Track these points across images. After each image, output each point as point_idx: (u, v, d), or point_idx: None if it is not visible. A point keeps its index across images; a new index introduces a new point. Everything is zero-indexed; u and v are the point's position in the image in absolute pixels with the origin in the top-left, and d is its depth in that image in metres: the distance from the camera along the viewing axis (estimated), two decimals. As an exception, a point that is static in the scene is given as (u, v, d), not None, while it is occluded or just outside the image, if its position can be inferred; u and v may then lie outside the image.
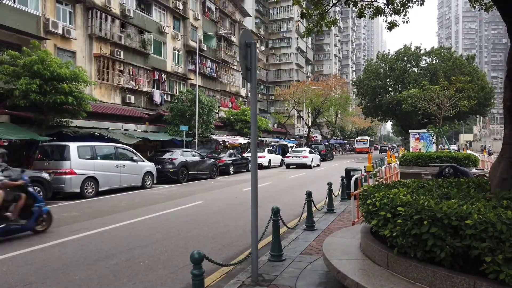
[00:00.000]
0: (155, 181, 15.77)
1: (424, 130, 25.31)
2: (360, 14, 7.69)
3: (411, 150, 26.06)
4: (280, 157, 30.43)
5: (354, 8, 7.79)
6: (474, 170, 12.80)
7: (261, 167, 25.95)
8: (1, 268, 5.19)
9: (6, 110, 15.95)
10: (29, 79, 13.76)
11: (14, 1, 17.48)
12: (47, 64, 14.12)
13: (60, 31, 19.34)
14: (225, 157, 22.22)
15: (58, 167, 12.12)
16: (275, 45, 58.97)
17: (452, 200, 3.37)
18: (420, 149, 24.75)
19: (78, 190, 12.10)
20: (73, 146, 12.48)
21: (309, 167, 27.05)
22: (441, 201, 3.35)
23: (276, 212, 5.34)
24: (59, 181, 11.84)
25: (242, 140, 31.70)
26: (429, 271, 3.13)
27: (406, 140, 41.21)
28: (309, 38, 64.65)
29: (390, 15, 7.70)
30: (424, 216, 3.16)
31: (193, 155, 18.91)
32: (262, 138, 37.65)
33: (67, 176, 11.95)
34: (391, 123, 65.55)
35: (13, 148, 15.65)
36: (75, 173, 12.10)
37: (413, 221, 3.22)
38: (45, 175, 11.01)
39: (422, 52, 44.49)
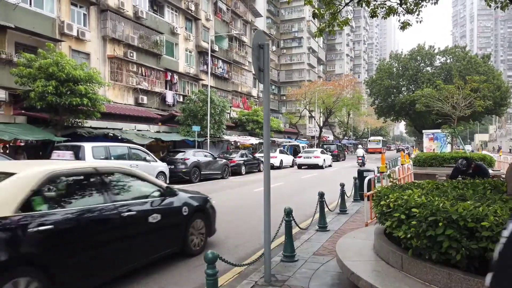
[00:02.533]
0: (167, 181, 15.89)
1: (438, 130, 24.97)
2: (373, 14, 7.63)
3: (425, 150, 25.74)
4: (291, 157, 30.38)
5: (366, 7, 7.74)
6: (490, 171, 12.58)
7: (272, 167, 25.93)
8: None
9: (23, 111, 16.29)
10: (45, 81, 14.03)
11: (30, 4, 17.84)
12: (62, 66, 14.38)
13: (74, 33, 19.66)
14: (236, 158, 22.28)
15: (73, 167, 12.30)
16: (286, 45, 58.88)
17: (468, 202, 3.33)
18: (434, 150, 24.42)
19: (92, 189, 12.24)
20: (88, 147, 12.67)
21: (321, 167, 26.93)
22: (456, 203, 3.31)
23: (288, 212, 5.34)
24: (74, 181, 12.00)
25: (253, 141, 31.74)
26: (444, 273, 3.10)
27: (420, 141, 40.71)
28: (321, 38, 64.43)
29: (403, 15, 7.64)
30: (439, 218, 3.13)
31: (205, 156, 19.01)
32: (274, 139, 37.63)
33: (82, 176, 12.11)
34: (404, 123, 64.87)
35: (30, 148, 15.98)
36: (89, 173, 12.25)
37: (428, 222, 3.19)
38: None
39: (436, 51, 43.93)
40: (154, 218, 4.82)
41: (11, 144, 15.63)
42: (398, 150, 65.07)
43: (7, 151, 15.10)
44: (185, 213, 5.46)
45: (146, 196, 4.97)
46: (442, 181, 5.34)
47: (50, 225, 3.56)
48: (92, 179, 4.37)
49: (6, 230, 3.25)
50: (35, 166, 4.10)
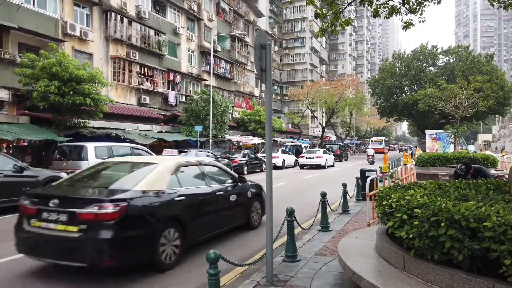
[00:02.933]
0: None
1: (441, 130, 24.88)
2: (375, 14, 7.61)
3: (427, 150, 25.66)
4: (294, 157, 30.35)
5: (369, 7, 7.72)
6: (493, 171, 12.54)
7: (275, 167, 25.90)
8: (24, 266, 5.33)
9: (26, 111, 16.36)
10: (48, 81, 14.08)
11: (34, 4, 17.92)
12: (65, 66, 14.43)
13: (77, 33, 19.73)
14: (239, 158, 22.29)
15: (76, 167, 12.34)
16: (289, 45, 58.86)
17: (470, 202, 3.32)
18: (437, 150, 24.33)
19: (95, 189, 12.30)
20: (90, 147, 12.71)
21: (323, 167, 26.89)
22: (459, 203, 3.30)
23: (290, 212, 5.34)
24: (77, 180, 12.06)
25: (256, 141, 31.75)
26: (446, 274, 3.09)
27: (423, 141, 40.59)
28: (323, 38, 64.31)
29: (406, 14, 7.61)
30: (441, 218, 3.12)
31: (208, 156, 19.05)
32: (276, 139, 37.63)
33: (84, 176, 12.16)
34: (407, 123, 64.70)
35: (33, 148, 16.04)
36: (92, 173, 12.30)
37: (430, 223, 3.18)
38: (64, 175, 11.22)
39: (439, 51, 43.75)
40: (233, 198, 6.76)
41: (14, 144, 15.70)
42: (401, 150, 64.96)
43: (10, 151, 15.15)
44: (249, 196, 7.40)
45: (226, 182, 6.89)
46: (445, 181, 5.33)
47: (182, 196, 5.42)
48: (198, 168, 6.38)
49: (164, 198, 5.13)
50: (168, 159, 6.35)
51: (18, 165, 9.93)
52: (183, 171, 5.85)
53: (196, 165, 6.46)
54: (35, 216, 4.75)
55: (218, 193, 6.30)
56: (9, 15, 16.38)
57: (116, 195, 4.62)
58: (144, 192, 4.90)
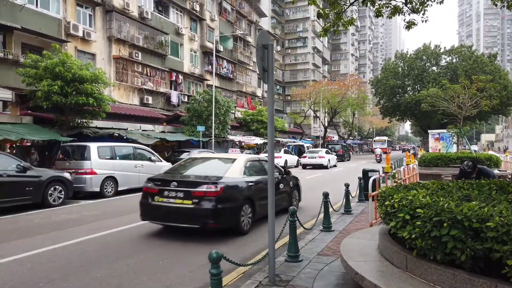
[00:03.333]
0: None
1: (444, 130, 24.81)
2: (378, 14, 7.60)
3: (430, 150, 25.59)
4: (296, 157, 30.34)
5: (371, 7, 7.71)
6: (496, 171, 12.49)
7: (277, 167, 25.86)
8: (25, 265, 5.36)
9: (29, 112, 16.42)
10: (51, 81, 14.13)
11: (37, 5, 17.98)
12: (68, 66, 14.48)
13: (80, 33, 19.78)
14: (241, 158, 22.25)
15: (79, 167, 12.41)
16: (291, 45, 58.83)
17: (473, 202, 3.31)
18: (439, 150, 24.26)
19: (98, 189, 12.35)
20: (93, 147, 12.74)
21: (325, 167, 26.86)
22: (461, 203, 3.30)
23: (293, 212, 5.35)
24: (80, 180, 12.11)
25: (258, 141, 31.75)
26: (449, 274, 3.09)
27: (425, 140, 40.48)
28: (326, 37, 64.23)
29: (409, 14, 7.60)
30: (444, 218, 3.12)
31: (210, 155, 19.05)
32: (278, 139, 37.61)
33: (87, 176, 12.21)
34: (409, 123, 64.52)
35: (36, 148, 16.10)
36: (95, 173, 12.35)
37: (433, 223, 3.18)
38: (67, 175, 11.28)
39: (442, 50, 43.58)
40: (281, 186, 8.73)
41: (17, 144, 15.76)
42: (403, 150, 64.81)
43: (14, 151, 15.21)
44: (291, 185, 9.41)
45: (284, 182, 9.06)
46: (448, 182, 5.32)
47: (251, 183, 7.44)
48: (258, 163, 8.47)
49: (242, 183, 7.18)
50: (240, 155, 8.48)
51: (22, 165, 9.97)
52: (249, 165, 7.98)
53: (257, 160, 8.61)
54: (157, 194, 6.91)
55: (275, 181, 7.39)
56: (12, 15, 16.45)
57: (216, 180, 6.77)
58: (231, 178, 7.08)
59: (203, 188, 6.56)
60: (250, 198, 7.26)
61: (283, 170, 9.25)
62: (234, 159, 7.80)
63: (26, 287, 4.56)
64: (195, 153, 18.07)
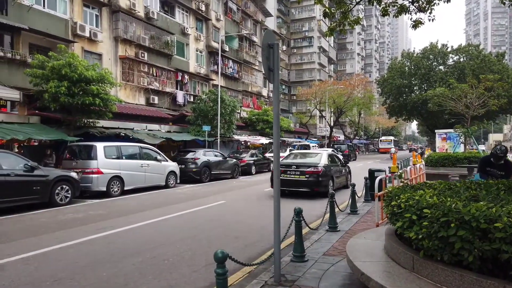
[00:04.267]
0: (178, 181, 16.00)
1: (451, 130, 24.62)
2: (384, 13, 7.55)
3: (437, 150, 25.42)
4: (302, 157, 30.25)
5: (378, 6, 7.67)
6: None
7: (283, 167, 25.86)
8: (32, 264, 5.40)
9: (37, 112, 16.55)
10: (58, 82, 14.22)
11: (44, 5, 18.12)
12: (75, 66, 14.56)
13: (87, 34, 19.90)
14: (247, 157, 22.29)
15: (85, 166, 12.49)
16: (297, 44, 58.71)
17: (481, 203, 3.27)
18: (446, 150, 24.08)
19: (104, 189, 12.42)
20: (99, 146, 12.81)
21: (331, 167, 26.72)
22: (469, 203, 3.26)
23: (298, 212, 5.33)
24: (87, 180, 12.19)
25: (264, 140, 31.74)
26: (456, 275, 3.06)
27: (432, 140, 40.20)
28: (332, 37, 63.99)
29: (415, 13, 7.54)
30: (451, 219, 3.09)
31: (216, 155, 19.08)
32: (284, 138, 37.57)
33: (94, 175, 12.29)
34: (416, 122, 64.05)
35: (43, 148, 16.22)
36: (101, 172, 12.42)
37: (440, 223, 3.15)
38: (73, 174, 11.36)
39: (449, 49, 43.20)
40: (344, 171, 14.18)
41: (25, 143, 15.89)
42: (410, 150, 64.47)
43: (22, 151, 15.34)
44: (348, 172, 14.64)
45: (339, 164, 13.95)
46: (455, 182, 5.27)
47: (332, 167, 12.88)
48: (333, 156, 14.15)
49: (328, 167, 12.51)
50: (324, 151, 14.55)
51: (29, 164, 10.05)
52: (330, 157, 13.32)
53: (332, 154, 14.10)
54: (283, 173, 11.79)
55: (340, 168, 13.92)
56: (20, 16, 16.59)
57: (317, 165, 12.13)
58: (323, 164, 12.24)
59: (311, 169, 12.04)
60: (332, 176, 12.55)
61: (343, 162, 14.65)
62: (321, 154, 13.39)
63: (33, 285, 4.59)
64: (201, 153, 18.12)
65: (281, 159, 24.56)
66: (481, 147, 38.56)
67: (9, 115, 15.39)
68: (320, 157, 12.86)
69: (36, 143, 16.85)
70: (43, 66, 14.67)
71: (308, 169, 11.95)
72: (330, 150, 16.68)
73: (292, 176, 12.03)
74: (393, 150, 43.11)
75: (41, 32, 17.30)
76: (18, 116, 15.90)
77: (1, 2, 15.84)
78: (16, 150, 15.64)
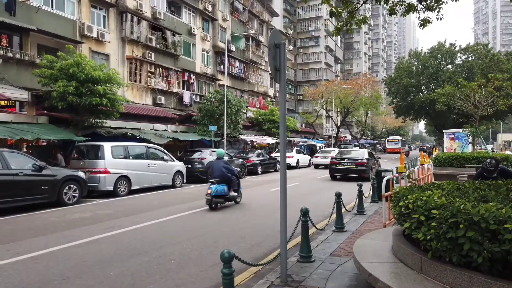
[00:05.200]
0: (185, 181, 16.04)
1: (460, 130, 24.41)
2: (392, 12, 7.50)
3: (445, 150, 25.21)
4: (308, 157, 30.22)
5: (385, 5, 7.62)
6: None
7: (289, 167, 25.83)
8: (41, 262, 5.45)
9: (45, 112, 16.69)
10: (66, 82, 14.33)
11: (52, 6, 18.28)
12: (82, 67, 14.66)
13: (94, 34, 20.04)
14: (253, 157, 22.29)
15: (93, 166, 12.57)
16: (303, 44, 58.59)
17: (490, 203, 3.23)
18: (455, 150, 23.87)
19: (111, 188, 12.49)
20: (107, 146, 12.89)
21: (338, 167, 26.68)
22: (478, 204, 3.22)
23: (305, 212, 5.31)
24: (94, 179, 12.28)
25: (270, 140, 31.71)
26: (465, 276, 3.03)
27: (440, 140, 39.87)
28: (338, 36, 63.75)
29: (423, 12, 7.48)
30: (460, 220, 3.05)
31: (222, 155, 19.07)
32: (290, 138, 37.50)
33: (101, 175, 12.37)
34: (424, 122, 63.54)
35: (51, 148, 16.36)
36: (109, 172, 12.50)
37: (449, 224, 3.12)
38: (81, 174, 11.44)
39: (457, 49, 42.84)
40: (377, 163, 19.66)
41: (33, 143, 16.03)
42: (421, 150, 63.81)
43: (30, 151, 15.48)
44: (378, 163, 20.14)
45: (373, 158, 19.76)
46: (464, 182, 5.21)
47: (370, 161, 18.39)
48: (372, 152, 22.89)
49: (368, 161, 18.06)
50: (364, 149, 23.44)
51: (37, 164, 10.14)
52: (368, 153, 19.07)
53: (369, 152, 19.75)
54: (338, 164, 18.14)
55: (374, 161, 19.32)
56: (28, 17, 16.75)
57: (362, 158, 17.95)
58: (365, 158, 17.94)
59: (359, 161, 17.62)
60: (371, 166, 17.75)
61: (375, 157, 20.22)
62: (364, 151, 19.52)
63: (42, 284, 4.63)
64: (207, 153, 18.15)
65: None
66: (490, 147, 38.16)
67: (18, 115, 15.53)
68: (363, 153, 19.04)
69: (44, 143, 17.00)
70: (52, 66, 14.78)
71: (356, 161, 17.90)
72: (366, 150, 21.66)
73: (344, 166, 18.00)
74: (406, 148, 43.26)
75: (49, 33, 17.45)
76: (26, 116, 16.05)
77: (10, 3, 16.00)
78: (25, 150, 15.79)
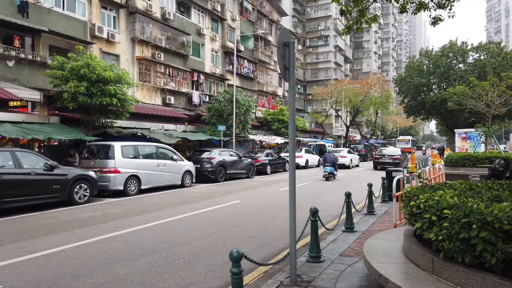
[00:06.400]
0: (194, 180, 16.10)
1: (472, 130, 24.10)
2: (402, 10, 7.42)
3: (457, 150, 24.89)
4: (317, 157, 30.09)
5: (395, 3, 7.55)
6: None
7: (298, 167, 25.75)
8: (52, 261, 5.50)
9: (56, 112, 16.89)
10: (77, 82, 14.49)
11: (63, 8, 18.49)
12: (93, 67, 14.81)
13: (105, 35, 20.22)
14: (262, 157, 22.27)
15: (103, 165, 12.68)
16: (312, 43, 58.36)
17: (504, 203, 3.17)
18: (467, 149, 23.56)
19: (121, 188, 12.59)
20: (117, 146, 12.99)
21: (347, 167, 26.55)
22: (491, 204, 3.17)
23: (314, 212, 5.28)
24: (104, 179, 12.38)
25: (279, 140, 31.66)
26: (478, 278, 2.97)
27: (452, 140, 39.38)
28: (348, 35, 63.43)
29: (434, 10, 7.40)
30: (473, 220, 3.00)
31: (231, 155, 19.11)
32: (299, 138, 37.39)
33: (111, 175, 12.47)
34: (435, 122, 62.80)
35: (62, 148, 16.56)
36: (119, 172, 12.60)
37: (461, 224, 3.07)
38: (92, 173, 11.55)
39: (469, 47, 42.21)
40: (406, 158, 27.46)
41: (45, 143, 16.24)
42: (438, 149, 62.97)
43: (42, 150, 15.68)
44: (407, 159, 26.79)
45: (403, 155, 27.87)
46: (476, 182, 5.13)
47: (402, 156, 26.76)
48: (402, 151, 30.39)
49: (400, 156, 26.17)
50: (398, 148, 33.77)
51: (49, 163, 10.26)
52: (400, 150, 28.30)
53: (402, 149, 29.47)
54: (380, 158, 26.26)
55: (403, 157, 26.72)
56: (40, 18, 16.97)
57: (398, 154, 26.07)
58: (399, 154, 26.12)
59: (395, 156, 25.59)
60: (403, 160, 25.68)
61: (405, 154, 26.48)
62: (398, 149, 28.67)
63: (53, 282, 4.68)
64: (216, 153, 18.19)
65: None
66: (502, 147, 37.56)
67: (30, 115, 15.74)
68: (398, 150, 27.36)
69: (56, 143, 17.20)
70: (63, 67, 14.95)
71: (394, 156, 25.60)
72: (400, 149, 28.82)
73: (385, 160, 25.54)
74: (424, 147, 49.27)
75: (61, 34, 17.66)
76: (38, 116, 16.26)
77: (23, 5, 16.23)
78: (36, 149, 16.00)
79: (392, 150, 27.75)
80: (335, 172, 18.58)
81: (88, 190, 11.13)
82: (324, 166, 18.52)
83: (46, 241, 6.59)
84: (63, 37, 17.85)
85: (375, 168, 25.86)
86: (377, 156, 26.94)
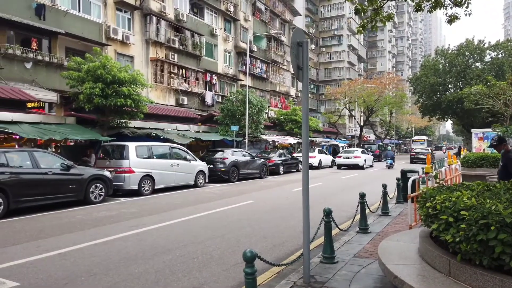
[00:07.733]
0: (207, 180, 16.17)
1: (489, 129, 23.59)
2: (418, 8, 7.32)
3: (473, 150, 24.41)
4: (331, 157, 29.92)
5: (410, 1, 7.45)
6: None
7: (311, 167, 25.62)
8: (69, 259, 5.60)
9: (72, 113, 17.19)
10: (93, 83, 14.70)
11: (79, 10, 18.80)
12: (108, 69, 15.01)
13: (120, 37, 20.49)
14: (275, 157, 22.24)
15: (118, 165, 12.85)
16: (326, 43, 58.03)
17: (524, 205, 3.10)
18: (484, 150, 23.09)
19: (136, 187, 12.73)
20: (131, 146, 13.15)
21: (361, 168, 26.31)
22: (510, 205, 3.09)
23: (328, 213, 5.25)
24: (119, 179, 12.54)
25: (292, 140, 31.57)
26: (496, 280, 2.91)
27: (468, 140, 38.65)
28: (362, 35, 62.87)
29: (451, 8, 7.28)
30: (491, 221, 2.94)
31: (244, 155, 19.14)
32: (312, 138, 37.21)
33: (126, 174, 12.62)
34: (451, 122, 61.73)
35: (78, 148, 16.84)
36: (133, 172, 12.74)
37: (479, 226, 3.00)
38: (107, 173, 11.71)
39: (486, 45, 41.38)
40: (434, 155, 36.21)
41: (61, 143, 16.52)
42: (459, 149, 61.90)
43: (59, 151, 15.96)
44: (434, 156, 29.72)
45: (434, 153, 42.19)
46: (494, 183, 5.02)
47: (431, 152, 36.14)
48: (431, 149, 42.79)
49: (430, 153, 33.68)
50: (429, 147, 45.72)
51: (65, 163, 10.44)
52: (430, 149, 43.49)
53: (431, 148, 43.17)
54: (416, 154, 34.50)
55: (433, 154, 33.37)
56: (57, 21, 17.29)
57: (428, 151, 33.67)
58: (429, 151, 33.95)
59: (428, 152, 30.64)
60: (434, 156, 30.87)
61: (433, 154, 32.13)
62: (429, 148, 41.62)
63: (70, 280, 4.76)
64: (229, 153, 18.25)
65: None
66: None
67: (47, 116, 16.04)
68: (428, 148, 37.56)
69: (72, 143, 17.50)
70: (79, 69, 15.19)
71: (425, 153, 30.48)
72: (429, 149, 35.30)
73: (419, 156, 32.59)
74: (444, 147, 50.86)
75: (77, 36, 17.96)
76: (55, 117, 16.56)
77: (40, 8, 16.57)
78: (53, 149, 16.29)
79: (425, 149, 37.57)
80: (393, 163, 26.69)
81: (103, 190, 11.29)
82: (386, 161, 27.71)
83: (62, 240, 6.70)
84: (79, 39, 18.16)
85: (412, 162, 32.61)
86: (413, 153, 35.34)
